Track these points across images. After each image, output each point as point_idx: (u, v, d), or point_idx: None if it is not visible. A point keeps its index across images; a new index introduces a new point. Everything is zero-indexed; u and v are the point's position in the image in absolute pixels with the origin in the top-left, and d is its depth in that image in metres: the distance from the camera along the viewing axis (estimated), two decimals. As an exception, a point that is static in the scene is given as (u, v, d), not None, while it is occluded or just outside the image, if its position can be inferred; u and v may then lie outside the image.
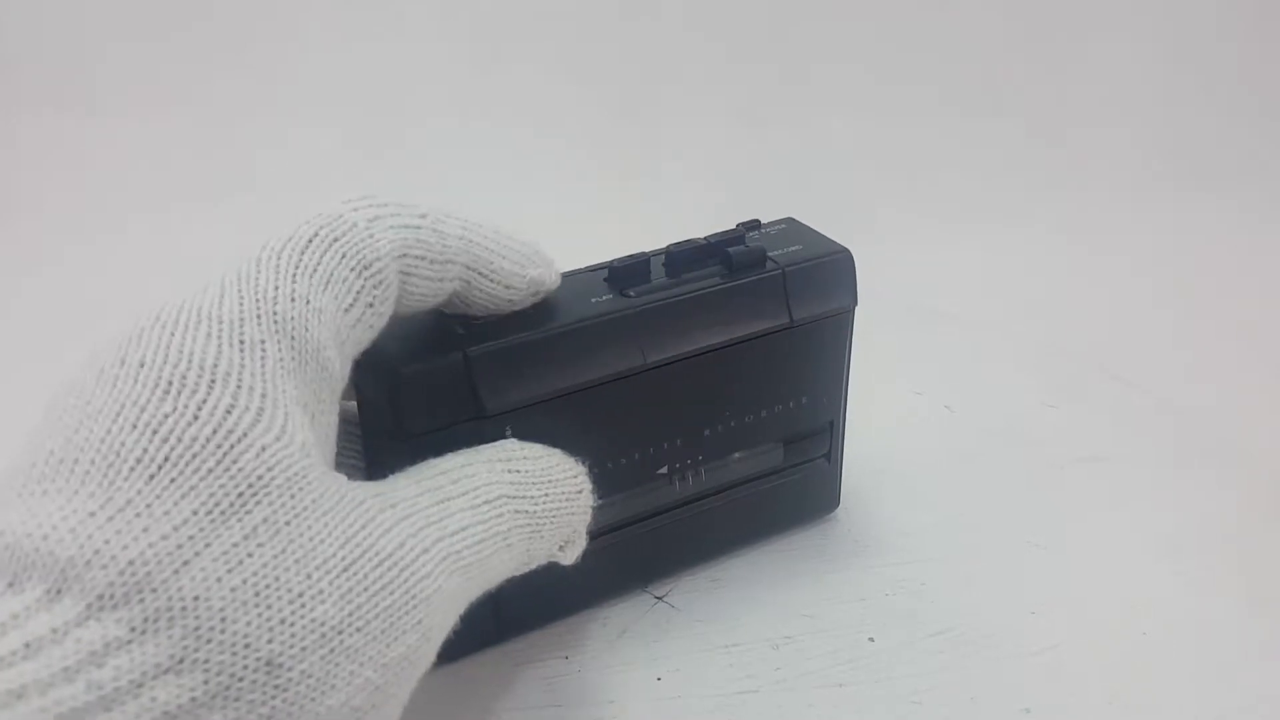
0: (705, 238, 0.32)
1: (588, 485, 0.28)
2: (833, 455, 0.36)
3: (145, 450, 0.19)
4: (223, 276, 0.22)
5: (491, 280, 0.27)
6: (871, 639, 0.33)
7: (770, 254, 0.32)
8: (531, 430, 0.28)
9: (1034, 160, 0.66)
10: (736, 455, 0.34)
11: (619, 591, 0.34)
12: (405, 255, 0.24)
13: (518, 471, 0.26)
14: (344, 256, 0.23)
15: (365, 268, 0.24)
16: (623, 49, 0.68)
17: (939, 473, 0.40)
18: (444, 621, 0.23)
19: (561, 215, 0.54)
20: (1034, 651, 0.32)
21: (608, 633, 0.33)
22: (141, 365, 0.20)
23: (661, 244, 0.32)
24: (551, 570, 0.27)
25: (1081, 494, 0.39)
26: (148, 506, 0.19)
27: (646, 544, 0.33)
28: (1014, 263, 0.58)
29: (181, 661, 0.18)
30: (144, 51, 0.66)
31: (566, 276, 0.30)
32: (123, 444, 0.19)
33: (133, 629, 0.18)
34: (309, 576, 0.20)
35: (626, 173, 0.63)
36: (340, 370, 0.23)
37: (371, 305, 0.24)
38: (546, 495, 0.26)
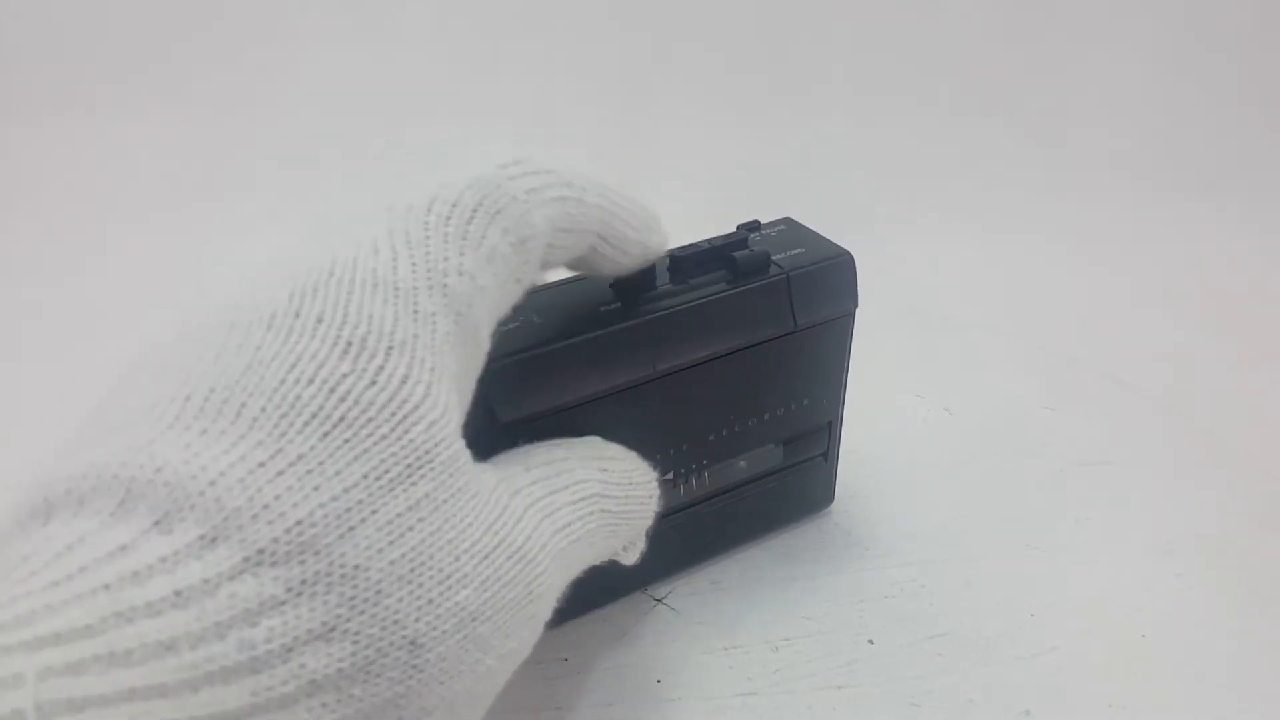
0: (707, 241, 0.32)
1: (658, 491, 0.28)
2: (830, 454, 0.36)
3: (321, 406, 0.19)
4: (390, 235, 0.21)
5: (615, 247, 0.26)
6: (871, 641, 0.33)
7: (774, 258, 0.32)
8: (542, 440, 0.28)
9: (1035, 164, 0.66)
10: (741, 462, 0.34)
11: (619, 594, 0.34)
12: (556, 229, 0.24)
13: (607, 470, 0.26)
14: (505, 232, 0.23)
15: (522, 244, 0.23)
16: (621, 52, 0.68)
17: (939, 475, 0.40)
18: (546, 616, 0.23)
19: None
20: (1033, 654, 0.32)
21: (607, 634, 0.33)
22: (319, 320, 0.20)
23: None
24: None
25: (1081, 497, 0.39)
26: (320, 465, 0.18)
27: (648, 547, 0.33)
28: (1014, 266, 0.58)
29: (333, 630, 0.18)
30: (144, 52, 0.66)
31: (571, 284, 0.30)
32: (298, 397, 0.19)
33: (289, 589, 0.17)
34: (456, 560, 0.20)
35: (625, 175, 0.63)
36: (487, 349, 0.23)
37: (519, 281, 0.24)
38: (627, 497, 0.26)
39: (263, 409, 0.18)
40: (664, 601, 0.34)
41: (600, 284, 0.31)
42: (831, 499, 0.38)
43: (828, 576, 0.35)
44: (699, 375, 0.31)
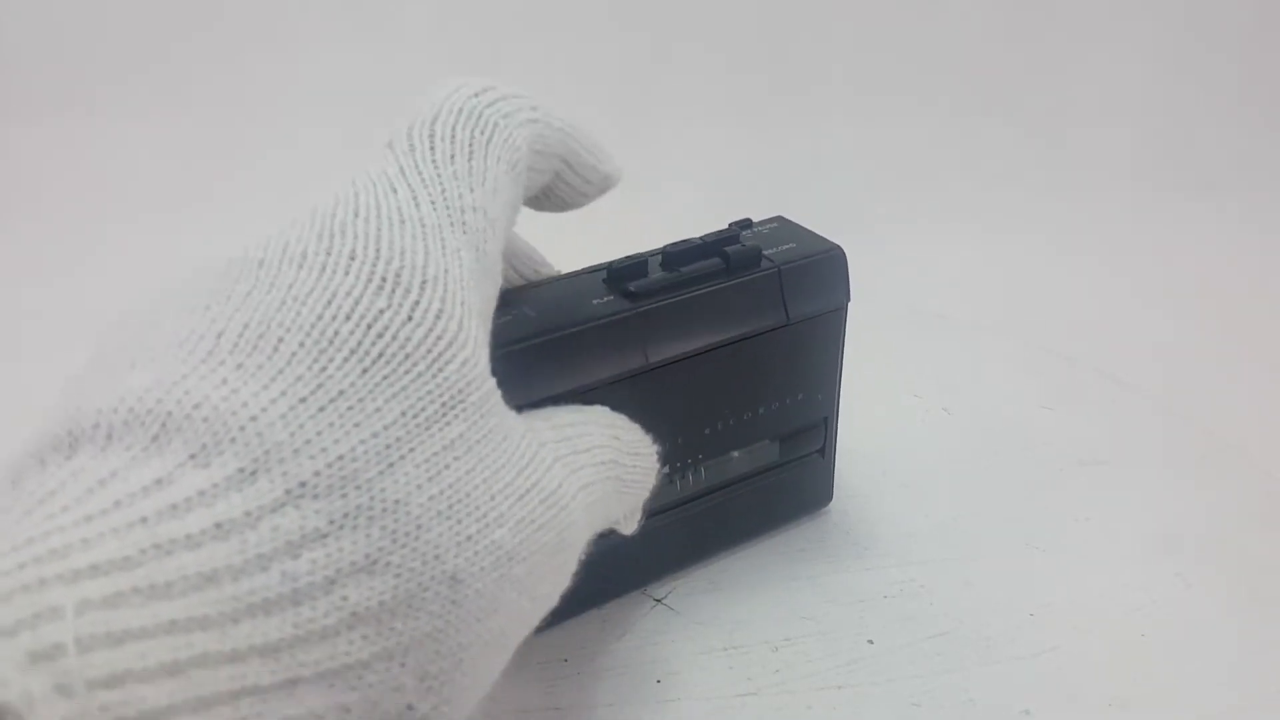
0: (700, 238, 0.32)
1: (657, 464, 0.28)
2: (827, 450, 0.36)
3: (360, 343, 0.19)
4: (403, 174, 0.22)
5: (577, 174, 0.27)
6: (871, 641, 0.33)
7: (765, 253, 0.32)
8: None
9: (1034, 163, 0.66)
10: (735, 454, 0.34)
11: (618, 593, 0.34)
12: (532, 150, 0.24)
13: (618, 439, 0.26)
14: (499, 160, 0.23)
15: (513, 168, 0.24)
16: (617, 51, 0.68)
17: (938, 475, 0.40)
18: (573, 568, 0.23)
19: (557, 215, 0.54)
20: (1033, 653, 0.32)
21: (607, 635, 0.33)
22: (352, 258, 0.20)
23: (656, 244, 0.32)
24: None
25: (1081, 496, 0.39)
26: (360, 401, 0.18)
27: (645, 545, 0.33)
28: (1013, 265, 0.58)
29: (375, 563, 0.18)
30: (144, 52, 0.66)
31: (565, 277, 0.30)
32: (336, 332, 0.19)
33: (331, 522, 0.17)
34: (492, 499, 0.20)
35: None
36: (500, 284, 0.23)
37: (515, 208, 0.24)
38: (634, 466, 0.26)
39: (301, 344, 0.19)
40: (663, 601, 0.34)
41: (593, 277, 0.31)
42: (830, 497, 0.38)
43: (827, 576, 0.35)
44: (692, 368, 0.31)
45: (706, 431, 0.33)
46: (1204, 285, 0.56)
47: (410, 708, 0.18)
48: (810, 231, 0.34)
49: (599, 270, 0.31)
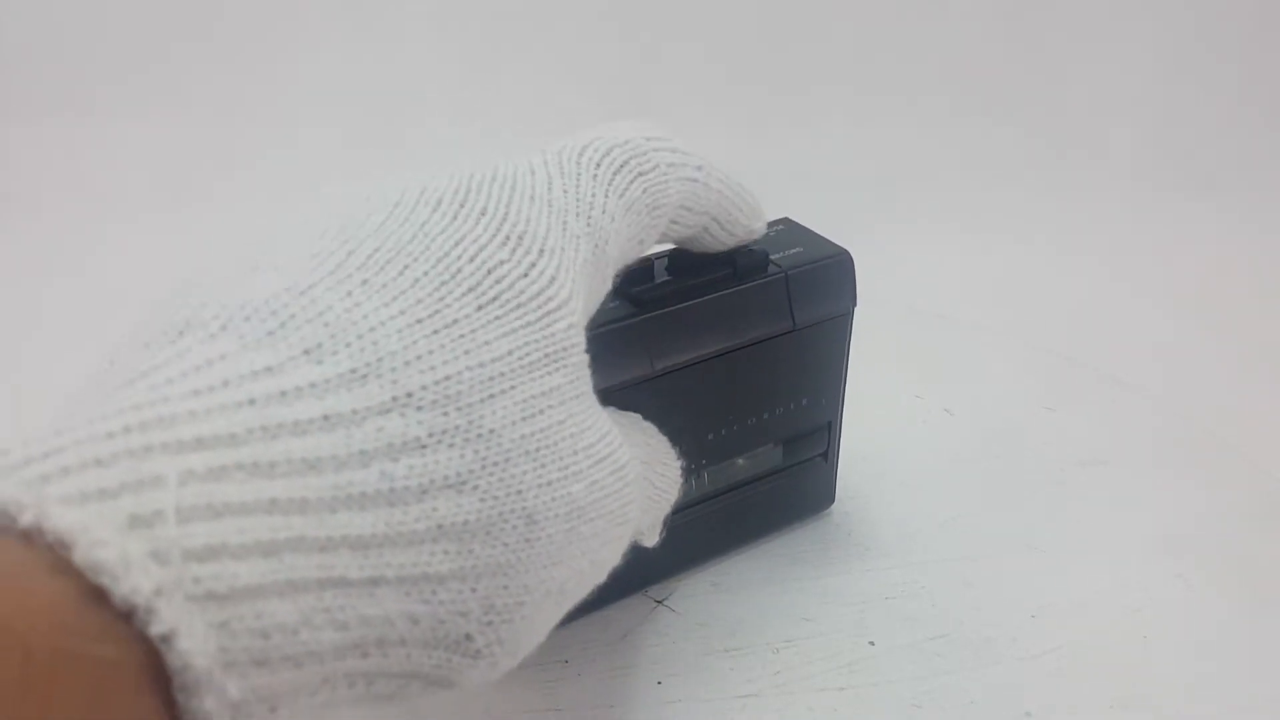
0: None
1: (680, 478, 0.28)
2: (830, 454, 0.36)
3: (479, 282, 0.20)
4: (545, 164, 0.23)
5: (724, 229, 0.28)
6: (872, 642, 0.33)
7: (772, 257, 0.32)
8: None
9: (1035, 164, 0.66)
10: (740, 461, 0.34)
11: (619, 595, 0.34)
12: (681, 206, 0.26)
13: (650, 445, 0.27)
14: (645, 191, 0.25)
15: (654, 209, 0.25)
16: (621, 52, 0.68)
17: (939, 476, 0.40)
18: (624, 548, 0.24)
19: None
20: (1034, 655, 0.32)
21: (608, 636, 0.33)
22: (483, 213, 0.21)
23: (663, 247, 0.32)
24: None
25: (1081, 497, 0.39)
26: (473, 332, 0.19)
27: (647, 549, 0.33)
28: (1014, 266, 0.58)
29: (464, 483, 0.18)
30: (144, 53, 0.66)
31: None
32: (459, 270, 0.20)
33: (430, 434, 0.18)
34: (574, 454, 0.21)
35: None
36: (608, 289, 0.24)
37: (642, 242, 0.25)
38: (662, 476, 0.27)
39: (425, 273, 0.20)
40: (665, 603, 0.34)
41: None
42: (832, 500, 0.38)
43: (828, 578, 0.35)
44: (698, 374, 0.31)
45: (710, 437, 0.32)
46: (1205, 286, 0.56)
47: (469, 638, 0.19)
48: (817, 234, 0.34)
49: None
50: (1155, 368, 0.48)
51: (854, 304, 0.33)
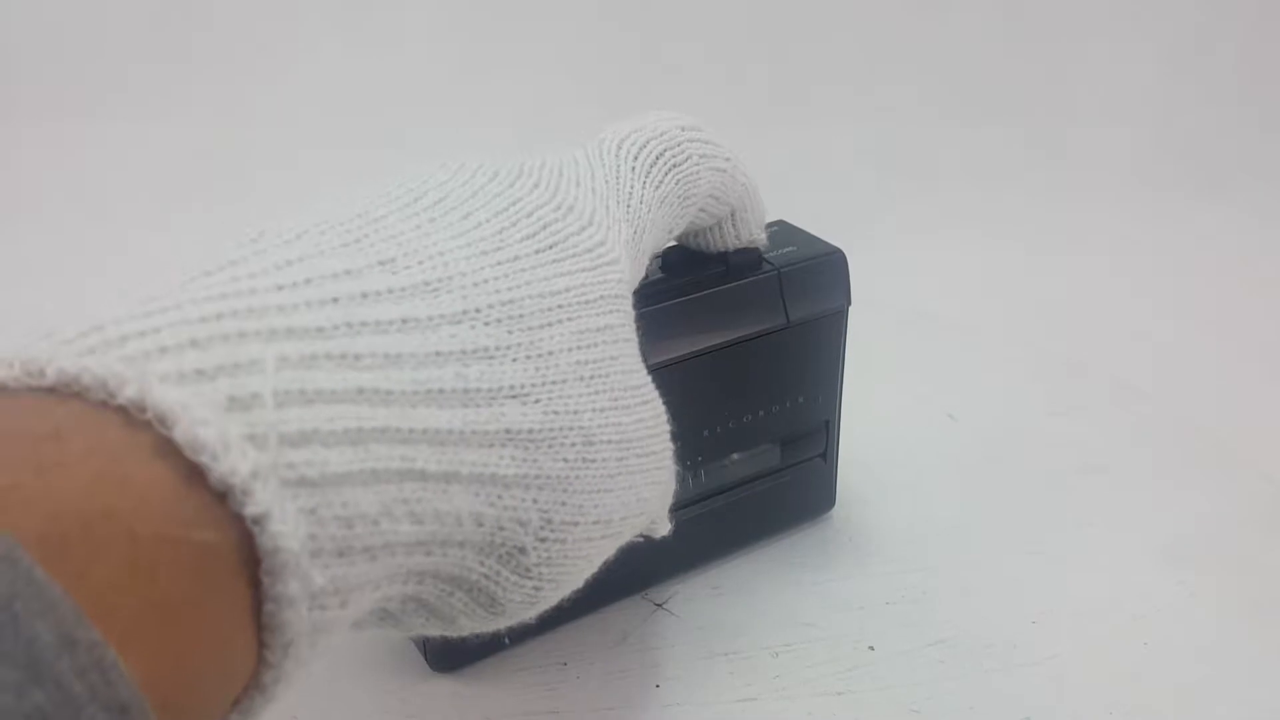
0: None
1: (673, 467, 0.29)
2: (829, 454, 0.36)
3: (536, 232, 0.22)
4: (586, 156, 0.25)
5: (737, 226, 0.30)
6: (872, 647, 0.33)
7: (765, 255, 0.32)
8: None
9: (1037, 167, 0.66)
10: (735, 456, 0.34)
11: (618, 597, 0.34)
12: (710, 195, 0.27)
13: None
14: (678, 183, 0.26)
15: (685, 199, 0.26)
16: (620, 52, 0.68)
17: (940, 481, 0.40)
18: (662, 501, 0.25)
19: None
20: (1034, 661, 0.32)
21: (607, 639, 0.33)
22: (536, 185, 0.23)
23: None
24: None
25: (1083, 503, 0.39)
26: (533, 268, 0.21)
27: (645, 549, 0.33)
28: (1016, 270, 0.58)
29: (528, 394, 0.19)
30: (143, 54, 0.66)
31: None
32: (518, 220, 0.22)
33: (497, 347, 0.19)
34: (624, 389, 0.22)
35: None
36: (642, 276, 0.26)
37: (671, 232, 0.27)
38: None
39: (487, 219, 0.21)
40: (663, 606, 0.34)
41: None
42: (833, 503, 0.37)
43: (829, 582, 0.35)
44: (691, 370, 0.31)
45: (706, 434, 0.32)
46: (1209, 290, 0.56)
47: (523, 551, 0.20)
48: (811, 235, 0.34)
49: None
50: (1157, 372, 0.48)
51: (848, 302, 0.34)
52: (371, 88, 0.67)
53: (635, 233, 0.24)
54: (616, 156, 0.25)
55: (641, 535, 0.27)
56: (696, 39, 0.68)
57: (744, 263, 0.31)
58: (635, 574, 0.34)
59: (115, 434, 0.14)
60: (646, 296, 0.30)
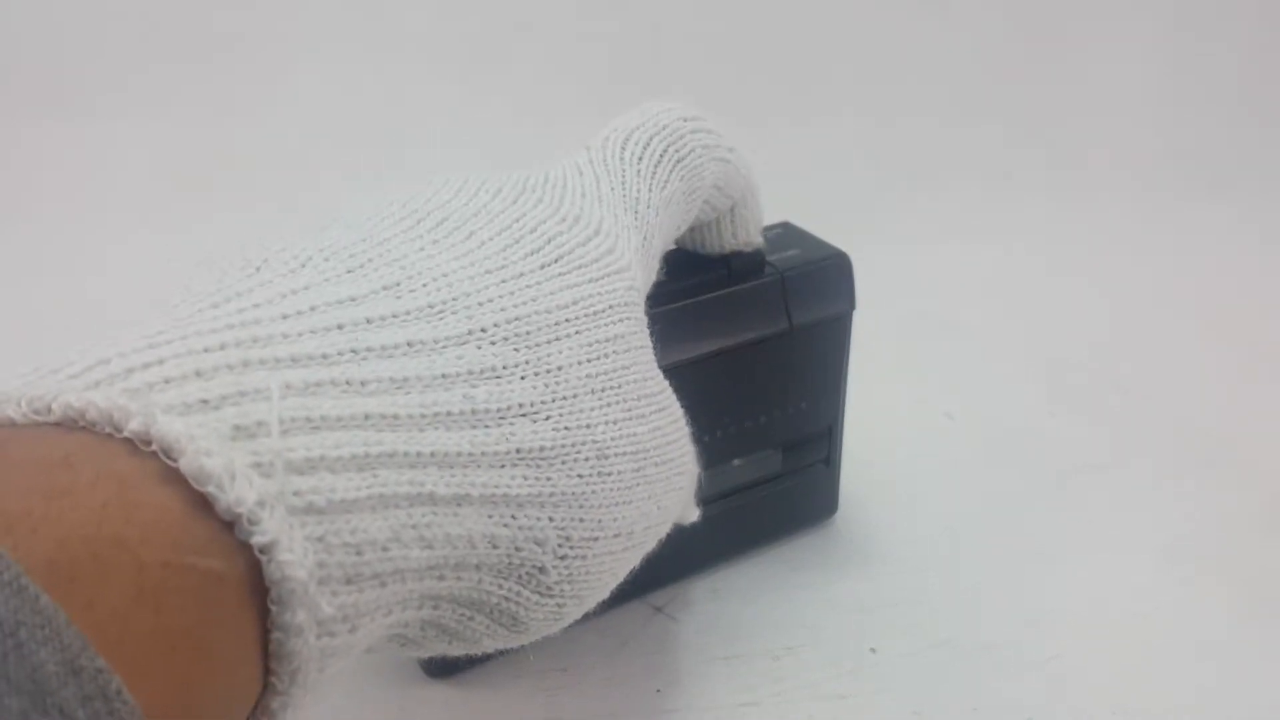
0: None
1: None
2: (831, 460, 0.36)
3: (540, 248, 0.21)
4: (591, 164, 0.25)
5: (736, 221, 0.30)
6: (873, 650, 0.33)
7: (768, 259, 0.32)
8: None
9: (1037, 168, 0.66)
10: (737, 462, 0.33)
11: (617, 602, 0.34)
12: (714, 187, 0.27)
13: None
14: (684, 179, 0.26)
15: (690, 195, 0.26)
16: (620, 52, 0.68)
17: (940, 482, 0.40)
18: (681, 508, 0.25)
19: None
20: (1036, 662, 0.32)
21: (606, 644, 0.33)
22: (539, 201, 0.23)
23: None
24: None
25: (1083, 503, 0.39)
26: (538, 284, 0.21)
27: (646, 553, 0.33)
28: (1015, 270, 0.57)
29: (538, 412, 0.19)
30: (143, 54, 0.66)
31: None
32: (520, 238, 0.21)
33: (505, 366, 0.19)
34: (638, 399, 0.22)
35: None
36: (654, 280, 0.25)
37: (679, 229, 0.27)
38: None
39: (490, 237, 0.21)
40: (664, 610, 0.34)
41: None
42: (835, 508, 0.37)
43: (829, 584, 0.35)
44: (693, 374, 0.30)
45: (707, 439, 0.32)
46: (1208, 290, 0.56)
47: (542, 571, 0.20)
48: (816, 237, 0.34)
49: None
50: (1157, 372, 0.48)
51: (853, 306, 0.33)
52: (372, 87, 0.67)
53: (645, 238, 0.24)
54: (621, 160, 0.25)
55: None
56: (699, 38, 0.68)
57: (746, 266, 0.31)
58: (636, 579, 0.34)
59: (123, 463, 0.14)
60: (648, 300, 0.30)
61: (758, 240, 0.31)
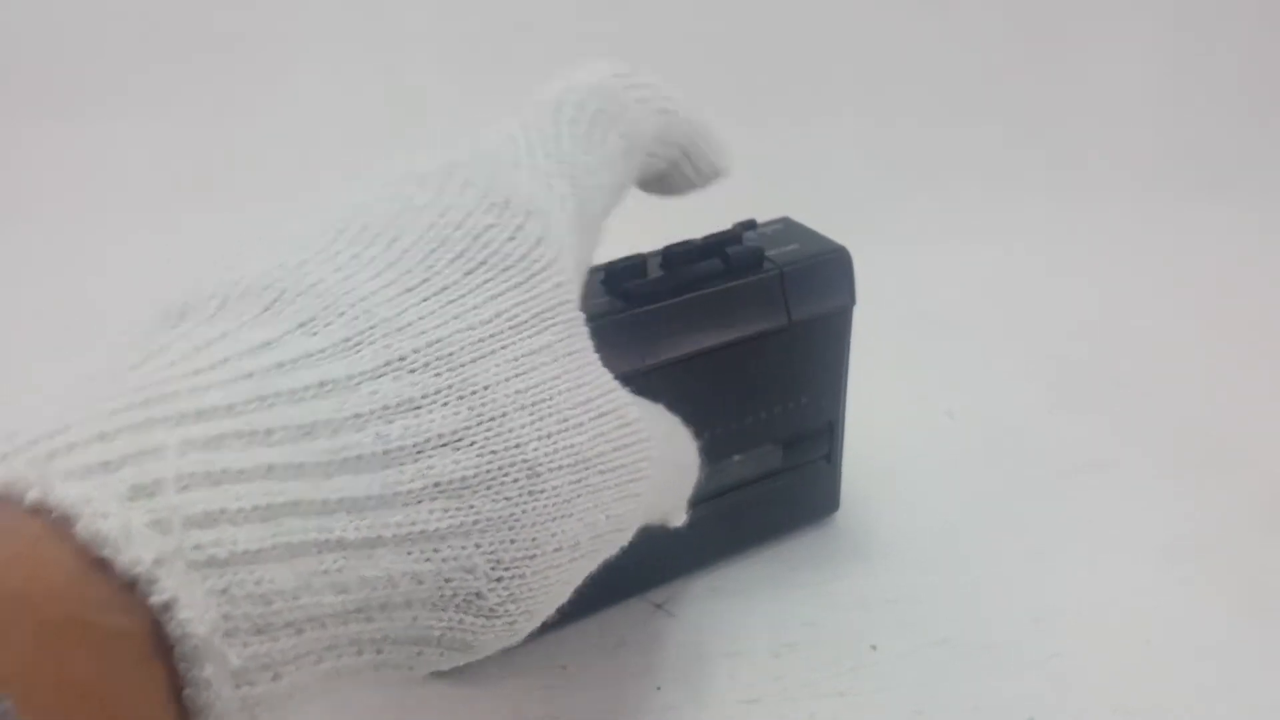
0: (702, 238, 0.32)
1: (698, 457, 0.28)
2: (833, 456, 0.36)
3: (466, 249, 0.21)
4: (524, 129, 0.24)
5: (693, 165, 0.28)
6: (874, 647, 0.33)
7: (767, 253, 0.32)
8: None
9: (1038, 167, 0.66)
10: (736, 457, 0.33)
11: (617, 599, 0.34)
12: (655, 139, 0.26)
13: (666, 421, 0.26)
14: (620, 137, 0.25)
15: (630, 152, 0.25)
16: (620, 52, 0.68)
17: (941, 479, 0.40)
18: (642, 510, 0.24)
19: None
20: (1037, 660, 0.32)
21: (606, 642, 0.33)
22: (467, 184, 0.22)
23: (658, 244, 0.32)
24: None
25: (1084, 501, 0.39)
26: (461, 298, 0.20)
27: (645, 550, 0.33)
28: (1016, 269, 0.57)
29: (460, 440, 0.19)
30: (143, 54, 0.66)
31: None
32: (446, 238, 0.21)
33: (424, 395, 0.19)
34: (573, 407, 0.21)
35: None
36: (598, 244, 0.25)
37: (623, 188, 0.26)
38: (682, 452, 0.27)
39: (414, 243, 0.20)
40: (663, 607, 0.34)
41: (590, 278, 0.30)
42: (836, 505, 0.37)
43: (830, 581, 0.35)
44: (692, 369, 0.31)
45: (706, 435, 0.32)
46: (1208, 289, 0.55)
47: (479, 595, 0.19)
48: (816, 233, 0.34)
49: (597, 271, 0.31)
50: (1158, 371, 0.47)
51: (853, 302, 0.33)
52: (372, 87, 0.67)
53: (582, 204, 0.23)
54: (555, 124, 0.24)
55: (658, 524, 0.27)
56: (699, 38, 0.68)
57: (745, 261, 0.31)
58: (635, 576, 0.34)
59: (28, 527, 0.14)
60: (646, 295, 0.30)
61: (724, 172, 0.29)
